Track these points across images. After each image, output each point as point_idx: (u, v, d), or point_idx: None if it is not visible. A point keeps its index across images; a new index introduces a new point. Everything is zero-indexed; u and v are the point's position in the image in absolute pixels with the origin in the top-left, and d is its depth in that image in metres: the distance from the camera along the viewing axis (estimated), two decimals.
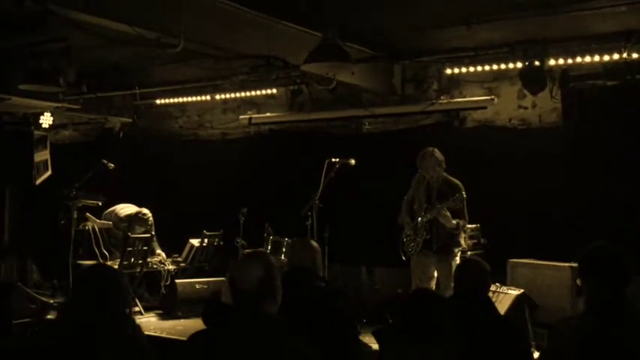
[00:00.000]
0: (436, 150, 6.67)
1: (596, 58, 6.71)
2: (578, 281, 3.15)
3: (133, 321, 3.20)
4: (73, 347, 2.86)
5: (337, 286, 7.16)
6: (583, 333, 2.95)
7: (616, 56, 6.58)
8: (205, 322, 2.79)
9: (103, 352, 2.84)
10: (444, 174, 6.66)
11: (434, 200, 6.57)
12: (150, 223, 8.42)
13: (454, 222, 6.45)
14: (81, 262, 8.00)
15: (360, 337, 6.25)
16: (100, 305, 2.94)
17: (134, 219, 8.41)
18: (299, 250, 4.29)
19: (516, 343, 3.74)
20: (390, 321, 7.03)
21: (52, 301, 7.77)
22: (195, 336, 2.81)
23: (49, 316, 7.24)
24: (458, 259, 6.62)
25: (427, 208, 6.58)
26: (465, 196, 6.50)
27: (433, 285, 6.61)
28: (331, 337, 3.54)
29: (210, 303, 2.82)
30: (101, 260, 8.21)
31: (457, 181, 6.61)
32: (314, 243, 4.50)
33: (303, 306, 3.08)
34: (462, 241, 6.73)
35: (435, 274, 6.67)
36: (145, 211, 8.51)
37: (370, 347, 5.28)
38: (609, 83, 6.84)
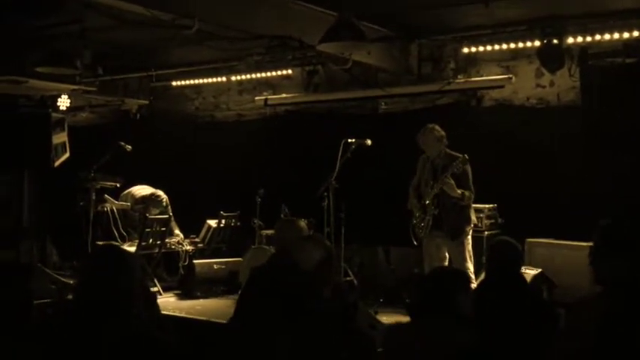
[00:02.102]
0: (436, 126, 6.63)
1: (616, 35, 6.62)
2: (591, 255, 3.14)
3: (148, 298, 3.23)
4: (85, 327, 2.90)
5: None
6: (604, 312, 2.93)
7: (636, 33, 6.49)
8: (248, 303, 2.77)
9: (112, 331, 2.88)
10: (447, 150, 6.62)
11: (439, 175, 6.54)
12: (165, 204, 8.49)
13: (459, 191, 6.42)
14: (99, 243, 8.09)
15: (377, 316, 6.32)
16: (107, 284, 2.97)
17: (149, 200, 8.48)
18: (285, 231, 4.30)
19: (553, 323, 3.72)
20: (407, 300, 7.06)
21: (71, 282, 7.85)
22: (235, 318, 2.81)
23: (69, 297, 7.33)
24: (470, 239, 6.60)
25: (433, 184, 6.56)
26: (468, 166, 6.48)
27: None
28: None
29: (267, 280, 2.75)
30: (119, 241, 8.30)
31: (461, 155, 6.57)
32: (300, 222, 4.50)
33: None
34: (473, 217, 6.68)
35: (447, 254, 6.65)
36: (159, 192, 8.57)
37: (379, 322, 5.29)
38: (628, 61, 6.74)
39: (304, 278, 2.74)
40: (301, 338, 2.60)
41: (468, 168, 6.52)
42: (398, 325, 3.34)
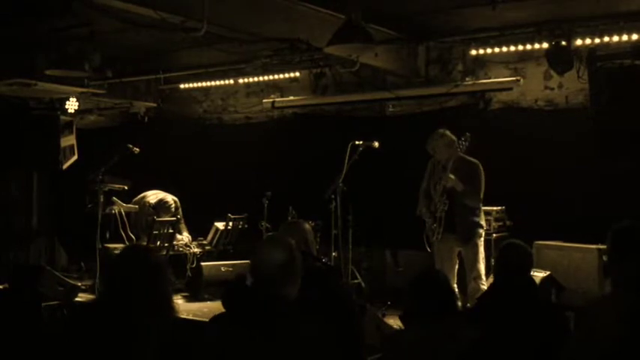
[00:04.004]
0: (446, 131, 6.58)
1: (624, 37, 6.61)
2: (605, 257, 3.16)
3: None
4: (113, 330, 2.91)
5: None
6: (619, 312, 2.92)
7: None
8: (224, 305, 2.83)
9: (141, 333, 2.89)
10: (461, 154, 6.57)
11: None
12: (173, 208, 8.53)
13: (461, 184, 6.35)
14: (108, 245, 8.11)
15: (385, 320, 6.31)
16: (133, 286, 2.98)
17: (158, 207, 8.50)
18: (291, 233, 4.29)
19: (562, 326, 3.72)
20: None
21: (79, 284, 7.88)
22: (216, 318, 2.85)
23: (76, 299, 7.34)
24: (482, 242, 6.58)
25: (441, 185, 6.50)
26: (479, 169, 6.49)
27: (456, 270, 6.58)
28: (333, 314, 3.57)
29: (230, 286, 2.87)
30: (127, 243, 8.31)
31: (475, 160, 6.54)
32: (305, 224, 4.50)
33: (302, 287, 3.12)
34: (482, 221, 6.65)
35: (457, 258, 6.63)
36: (168, 198, 8.60)
37: (387, 324, 5.28)
38: (637, 62, 6.71)
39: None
40: (272, 343, 2.61)
41: (478, 171, 6.49)
42: (394, 335, 3.36)
